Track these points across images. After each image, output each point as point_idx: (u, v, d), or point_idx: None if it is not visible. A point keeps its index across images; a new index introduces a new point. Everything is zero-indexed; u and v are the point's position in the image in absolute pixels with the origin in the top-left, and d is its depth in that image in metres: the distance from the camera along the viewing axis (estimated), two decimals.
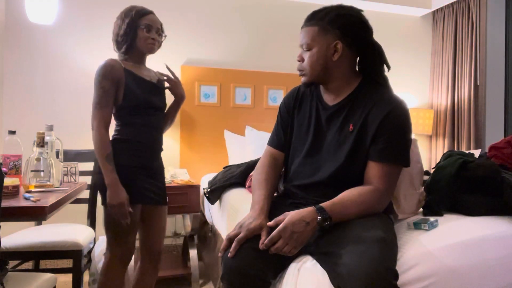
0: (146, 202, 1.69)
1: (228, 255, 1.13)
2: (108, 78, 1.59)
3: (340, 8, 1.27)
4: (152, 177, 1.72)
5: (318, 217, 1.11)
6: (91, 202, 2.33)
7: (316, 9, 1.30)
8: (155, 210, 1.77)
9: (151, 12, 1.70)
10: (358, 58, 1.32)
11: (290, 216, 1.11)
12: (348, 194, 1.18)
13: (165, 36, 1.77)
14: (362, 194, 1.18)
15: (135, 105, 1.65)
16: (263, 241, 1.11)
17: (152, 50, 1.70)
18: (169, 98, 1.86)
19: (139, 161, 1.66)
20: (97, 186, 1.65)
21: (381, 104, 1.22)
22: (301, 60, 1.31)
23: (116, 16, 1.71)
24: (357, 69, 1.34)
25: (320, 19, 1.26)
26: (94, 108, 1.60)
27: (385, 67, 1.31)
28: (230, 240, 1.16)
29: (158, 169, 1.78)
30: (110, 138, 1.65)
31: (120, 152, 1.62)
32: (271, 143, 1.46)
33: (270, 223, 1.14)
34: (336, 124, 1.28)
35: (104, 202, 1.61)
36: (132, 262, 2.22)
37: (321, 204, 1.14)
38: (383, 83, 1.29)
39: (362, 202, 1.17)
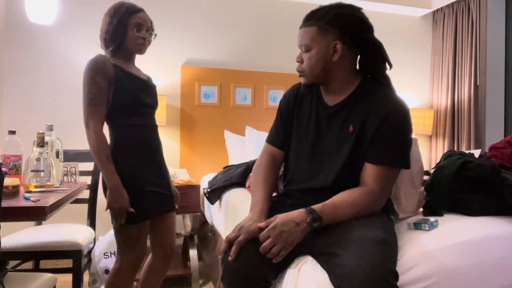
0: (156, 215, 1.67)
1: (229, 258, 1.13)
2: (102, 73, 1.51)
3: (339, 7, 1.24)
4: (157, 176, 1.66)
5: (308, 218, 1.11)
6: (91, 202, 2.32)
7: (314, 9, 1.26)
8: (165, 216, 1.73)
9: (141, 10, 1.61)
10: (358, 57, 1.30)
11: (280, 217, 1.12)
12: (340, 196, 1.18)
13: (155, 34, 1.68)
14: (355, 196, 1.18)
15: (128, 103, 1.57)
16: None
17: (141, 51, 1.63)
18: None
19: (142, 161, 1.61)
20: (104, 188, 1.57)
21: (381, 105, 1.21)
22: (301, 61, 1.28)
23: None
24: (357, 68, 1.31)
25: (318, 19, 1.23)
26: (88, 105, 1.50)
27: (386, 65, 1.28)
28: (230, 242, 1.15)
29: (161, 165, 1.71)
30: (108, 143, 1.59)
31: (122, 156, 1.57)
32: (271, 141, 1.43)
33: (261, 224, 1.13)
34: (336, 125, 1.27)
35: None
36: None
37: (312, 206, 1.14)
38: (385, 82, 1.27)
39: (354, 204, 1.16)
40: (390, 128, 1.19)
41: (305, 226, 1.11)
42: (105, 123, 1.58)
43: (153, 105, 1.71)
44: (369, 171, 1.21)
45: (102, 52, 1.66)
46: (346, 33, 1.22)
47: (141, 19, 1.59)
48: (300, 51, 1.29)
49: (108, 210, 1.53)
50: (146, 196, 1.59)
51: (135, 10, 1.59)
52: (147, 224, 1.64)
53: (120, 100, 1.56)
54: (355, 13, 1.24)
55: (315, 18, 1.24)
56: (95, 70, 1.51)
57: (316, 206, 1.14)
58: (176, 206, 1.80)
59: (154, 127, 1.71)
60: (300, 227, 1.10)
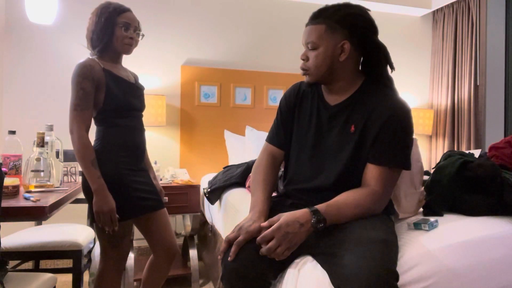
0: (141, 213, 1.64)
1: (228, 258, 1.12)
2: (89, 78, 1.51)
3: (348, 6, 1.24)
4: (141, 175, 1.66)
5: (312, 219, 1.10)
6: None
7: (323, 7, 1.25)
8: (156, 215, 1.71)
9: (129, 10, 1.63)
10: (362, 58, 1.30)
11: (284, 216, 1.11)
12: (344, 197, 1.18)
13: (143, 35, 1.69)
14: (358, 197, 1.17)
15: (117, 107, 1.58)
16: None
17: (129, 50, 1.63)
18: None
19: (128, 163, 1.61)
20: (86, 192, 1.56)
21: (383, 106, 1.21)
22: (306, 59, 1.27)
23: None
24: (360, 69, 1.31)
25: (327, 17, 1.22)
26: (73, 110, 1.50)
27: (388, 68, 1.28)
28: (229, 242, 1.15)
29: (145, 170, 1.73)
30: (93, 142, 1.58)
31: (108, 156, 1.56)
32: (271, 140, 1.42)
33: (263, 224, 1.12)
34: (338, 125, 1.27)
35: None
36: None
37: (316, 206, 1.13)
38: (388, 84, 1.27)
39: (358, 205, 1.16)
40: (392, 130, 1.19)
41: (309, 227, 1.10)
42: (92, 124, 1.57)
43: (141, 109, 1.73)
44: (371, 172, 1.21)
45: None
46: (354, 34, 1.21)
47: (129, 19, 1.60)
48: (305, 48, 1.28)
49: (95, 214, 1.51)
50: (130, 194, 1.58)
51: (122, 10, 1.60)
52: (131, 223, 1.65)
53: (110, 105, 1.57)
54: (364, 14, 1.24)
55: (323, 16, 1.23)
56: (82, 75, 1.51)
57: (320, 207, 1.13)
58: (166, 199, 1.79)
59: (142, 130, 1.72)
60: (304, 228, 1.09)
